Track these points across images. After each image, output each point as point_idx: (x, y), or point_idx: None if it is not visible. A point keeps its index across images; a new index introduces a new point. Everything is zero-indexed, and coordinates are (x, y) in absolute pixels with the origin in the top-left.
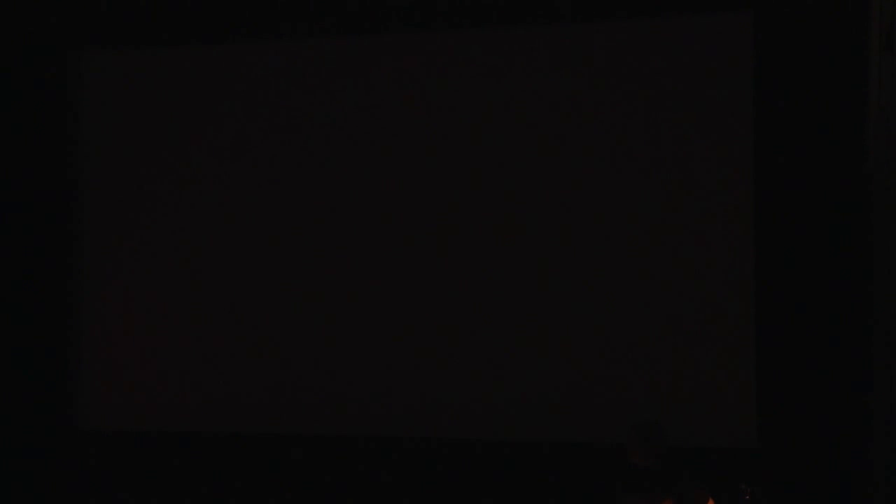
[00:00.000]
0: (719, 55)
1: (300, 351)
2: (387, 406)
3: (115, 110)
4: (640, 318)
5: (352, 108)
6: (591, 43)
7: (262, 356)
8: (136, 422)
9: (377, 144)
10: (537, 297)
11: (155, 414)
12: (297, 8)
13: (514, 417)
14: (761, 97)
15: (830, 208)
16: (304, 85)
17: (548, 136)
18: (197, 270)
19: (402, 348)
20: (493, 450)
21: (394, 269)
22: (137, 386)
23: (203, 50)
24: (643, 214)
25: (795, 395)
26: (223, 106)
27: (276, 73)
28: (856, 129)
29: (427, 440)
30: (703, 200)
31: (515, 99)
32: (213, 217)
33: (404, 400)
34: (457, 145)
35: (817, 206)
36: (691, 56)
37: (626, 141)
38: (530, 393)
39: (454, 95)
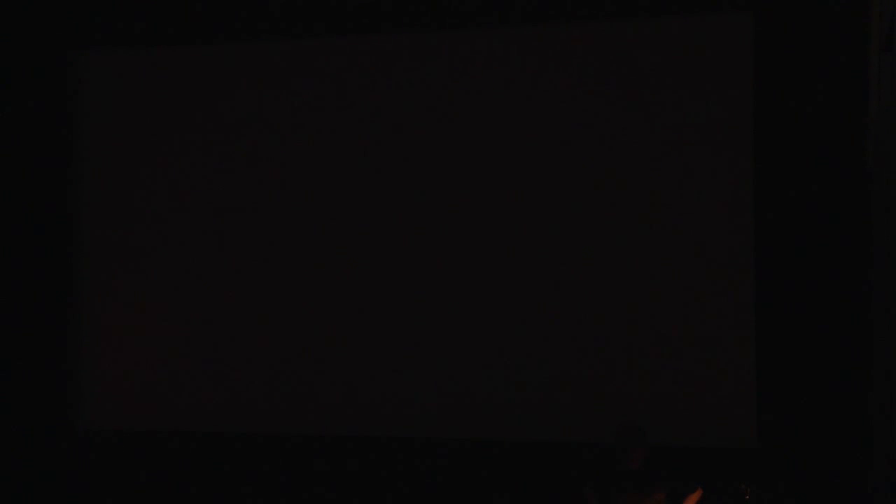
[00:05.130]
0: (719, 55)
1: (300, 351)
2: (387, 406)
3: (115, 110)
4: (639, 318)
5: (352, 108)
6: (591, 43)
7: (262, 356)
8: (136, 422)
9: (377, 144)
10: (537, 297)
11: (155, 414)
12: (297, 8)
13: (514, 417)
14: (761, 97)
15: (830, 208)
16: (303, 85)
17: (547, 136)
18: (196, 270)
19: (401, 349)
20: (493, 450)
21: (393, 269)
22: (137, 386)
23: (202, 50)
24: (643, 214)
25: (795, 395)
26: (223, 106)
27: (275, 73)
28: (856, 129)
29: (427, 440)
30: (703, 200)
31: (514, 99)
32: (213, 217)
33: (404, 400)
34: (457, 145)
35: (817, 206)
36: (691, 56)
37: (626, 141)
38: (529, 393)
39: (454, 95)
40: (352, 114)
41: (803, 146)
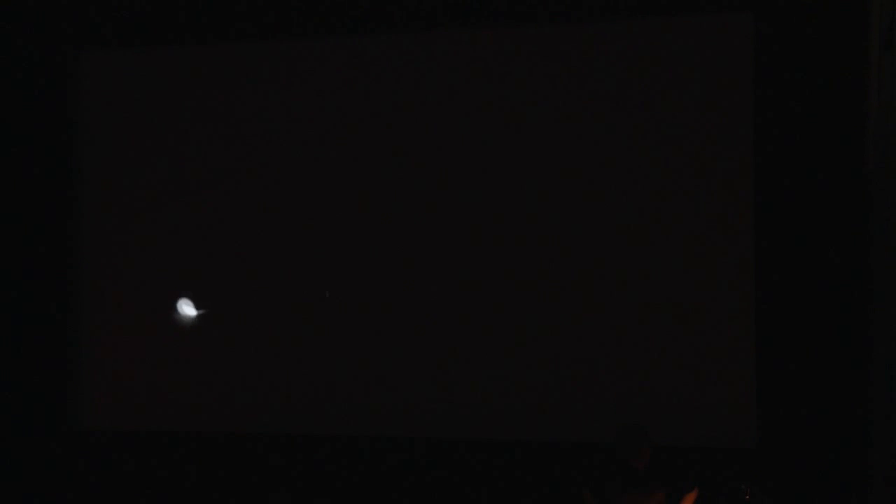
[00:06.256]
0: (719, 55)
1: (300, 351)
2: (387, 406)
3: (115, 110)
4: (640, 318)
5: (352, 108)
6: (591, 43)
7: (261, 356)
8: (135, 422)
9: (377, 144)
10: (536, 297)
11: (155, 414)
12: (298, 8)
13: (514, 417)
14: (761, 97)
15: (830, 208)
16: (303, 85)
17: (547, 136)
18: (196, 270)
19: (401, 348)
20: (493, 450)
21: (393, 269)
22: (137, 386)
23: (202, 50)
24: (643, 214)
25: (795, 395)
26: (223, 106)
27: (275, 73)
28: (856, 129)
29: (427, 440)
30: (703, 200)
31: (514, 99)
32: (213, 217)
33: (404, 400)
34: (457, 145)
35: (817, 206)
36: (691, 56)
37: (626, 141)
38: (529, 393)
39: (454, 95)
40: (352, 113)
41: (803, 146)
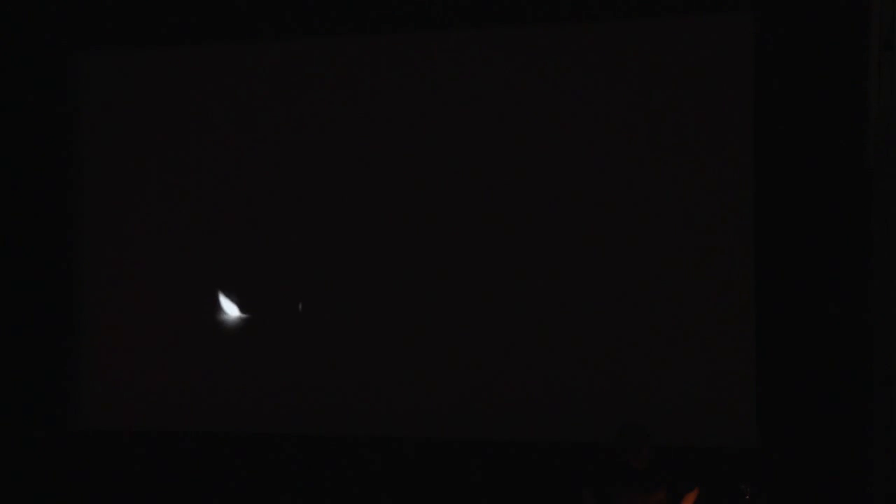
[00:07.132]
0: (719, 55)
1: (300, 351)
2: (387, 406)
3: (115, 110)
4: (639, 318)
5: (352, 108)
6: (591, 43)
7: (261, 356)
8: (135, 422)
9: (377, 144)
10: (536, 297)
11: (155, 414)
12: (297, 8)
13: (514, 417)
14: (761, 97)
15: (830, 208)
16: (303, 85)
17: (547, 136)
18: (196, 270)
19: (401, 348)
20: (492, 450)
21: (392, 269)
22: (137, 386)
23: (202, 50)
24: (643, 214)
25: (795, 395)
26: (223, 106)
27: (275, 73)
28: (856, 129)
29: (427, 440)
30: (703, 200)
31: (514, 99)
32: (213, 217)
33: (404, 400)
34: (456, 145)
35: (817, 205)
36: (691, 56)
37: (626, 141)
38: (529, 393)
39: (454, 95)
40: (352, 114)
41: (803, 146)
